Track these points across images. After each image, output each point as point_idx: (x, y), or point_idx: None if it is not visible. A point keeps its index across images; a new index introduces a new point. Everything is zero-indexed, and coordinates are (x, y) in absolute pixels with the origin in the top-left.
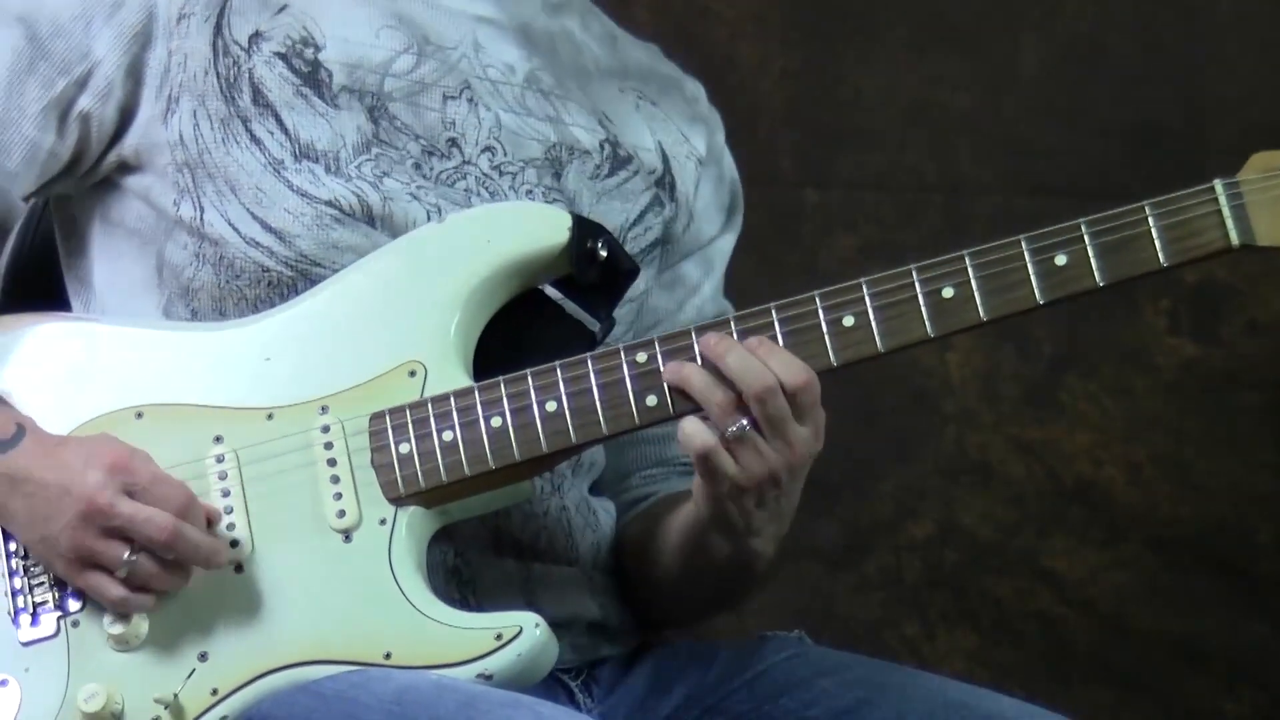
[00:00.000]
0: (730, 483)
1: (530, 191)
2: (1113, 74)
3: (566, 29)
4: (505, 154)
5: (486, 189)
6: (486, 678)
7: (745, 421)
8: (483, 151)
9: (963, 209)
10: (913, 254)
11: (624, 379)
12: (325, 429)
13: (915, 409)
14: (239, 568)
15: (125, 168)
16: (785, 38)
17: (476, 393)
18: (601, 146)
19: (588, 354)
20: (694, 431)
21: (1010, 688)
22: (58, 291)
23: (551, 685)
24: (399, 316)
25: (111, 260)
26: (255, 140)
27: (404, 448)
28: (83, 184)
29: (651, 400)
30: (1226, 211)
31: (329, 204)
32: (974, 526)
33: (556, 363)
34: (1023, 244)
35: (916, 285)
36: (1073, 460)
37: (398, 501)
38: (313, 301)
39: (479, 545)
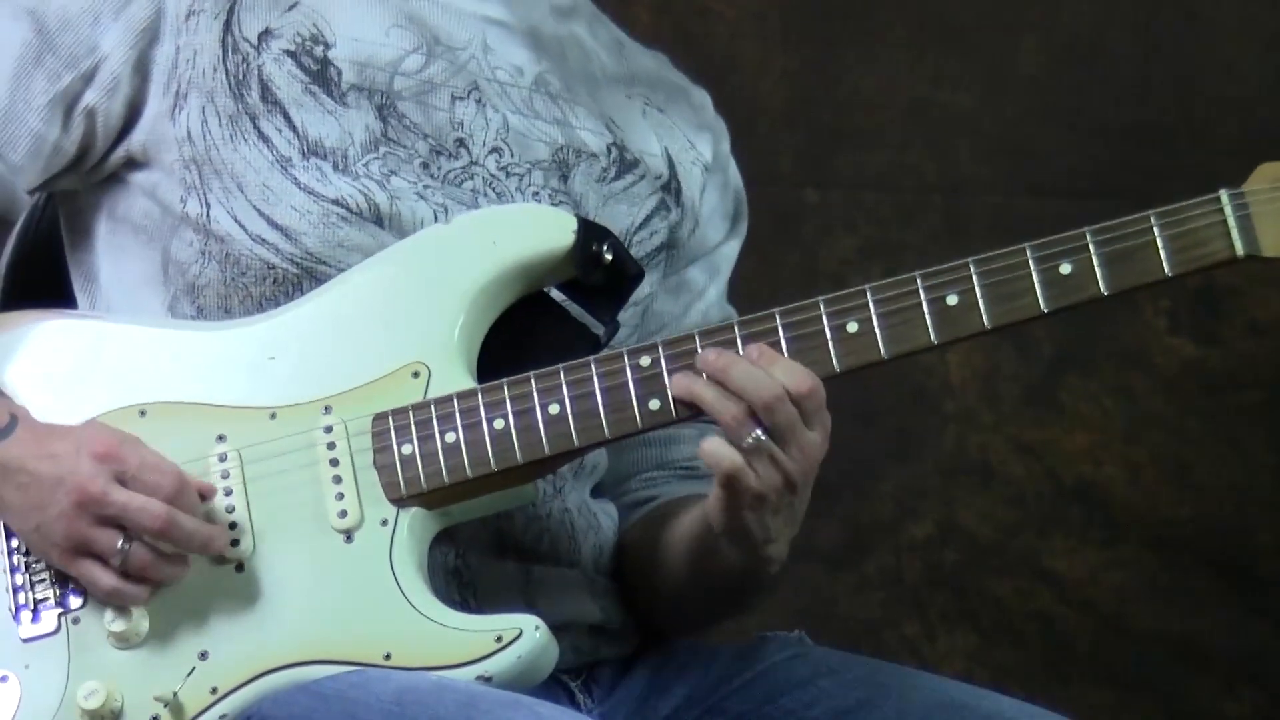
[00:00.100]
0: (751, 494)
1: (537, 193)
2: (1113, 74)
3: (575, 34)
4: (512, 155)
5: (493, 190)
6: (486, 680)
7: (760, 431)
8: (490, 152)
9: (963, 209)
10: (912, 254)
11: (627, 383)
12: (328, 429)
13: (915, 409)
14: (240, 566)
15: (132, 164)
16: (785, 38)
17: (479, 394)
18: (608, 150)
19: (591, 357)
20: (719, 452)
21: (1010, 688)
22: (62, 285)
23: (551, 686)
24: (403, 317)
25: (117, 256)
26: (263, 137)
27: (406, 449)
28: (89, 179)
29: (655, 404)
30: (1232, 222)
31: (336, 202)
32: (974, 526)
33: (560, 365)
34: (1027, 252)
35: (921, 292)
36: (1073, 460)
37: (399, 502)
38: (317, 301)
39: (480, 547)
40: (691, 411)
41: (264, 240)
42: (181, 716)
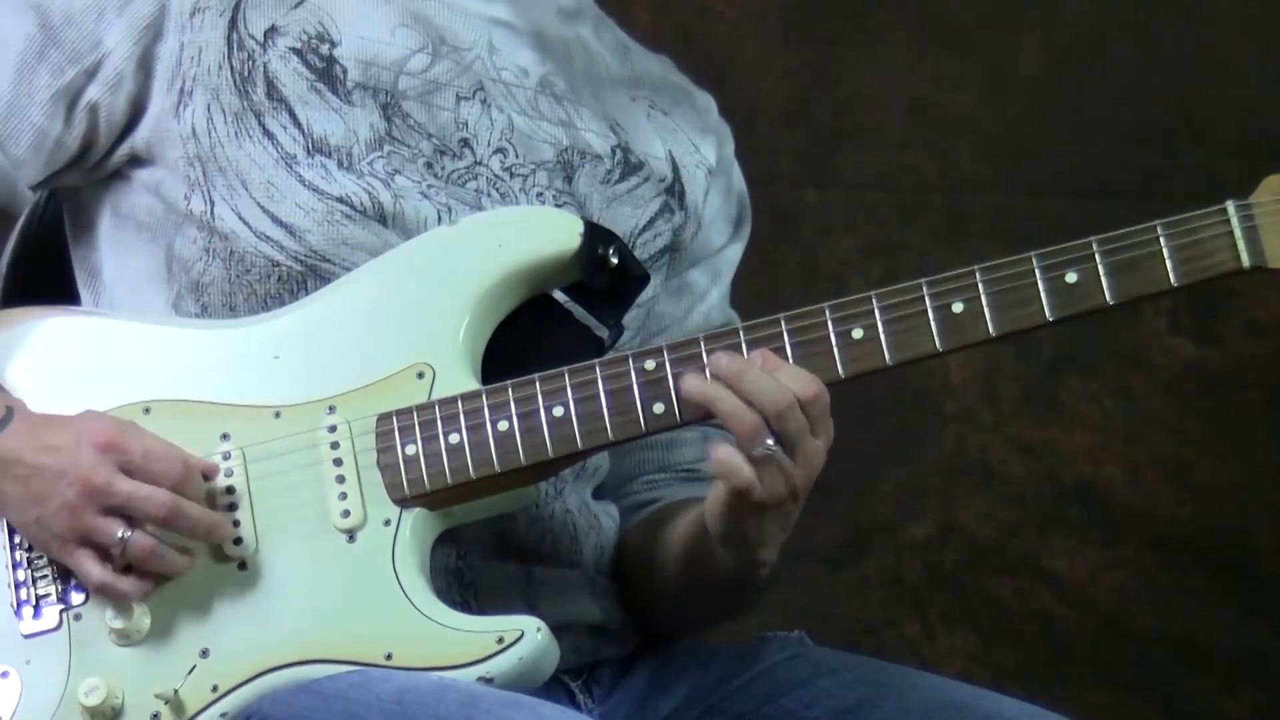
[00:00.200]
0: (755, 503)
1: (541, 194)
2: (1113, 74)
3: (580, 36)
4: (517, 156)
5: (497, 190)
6: (487, 681)
7: (771, 440)
8: (495, 153)
9: (963, 209)
10: (912, 254)
11: (632, 386)
12: (332, 429)
13: (915, 409)
14: (242, 565)
15: (136, 161)
16: (785, 38)
17: (484, 396)
18: (613, 152)
19: (595, 360)
20: (734, 463)
21: (1010, 688)
22: (65, 282)
23: (552, 686)
24: (408, 318)
25: (120, 253)
26: (268, 135)
27: (410, 449)
28: (93, 176)
29: (659, 408)
30: (1238, 233)
31: (340, 200)
32: (974, 526)
33: (564, 368)
34: (1033, 261)
35: (926, 299)
36: (1073, 460)
37: (403, 503)
38: (322, 301)
39: (482, 548)
40: (697, 415)
41: (268, 238)
42: (182, 714)
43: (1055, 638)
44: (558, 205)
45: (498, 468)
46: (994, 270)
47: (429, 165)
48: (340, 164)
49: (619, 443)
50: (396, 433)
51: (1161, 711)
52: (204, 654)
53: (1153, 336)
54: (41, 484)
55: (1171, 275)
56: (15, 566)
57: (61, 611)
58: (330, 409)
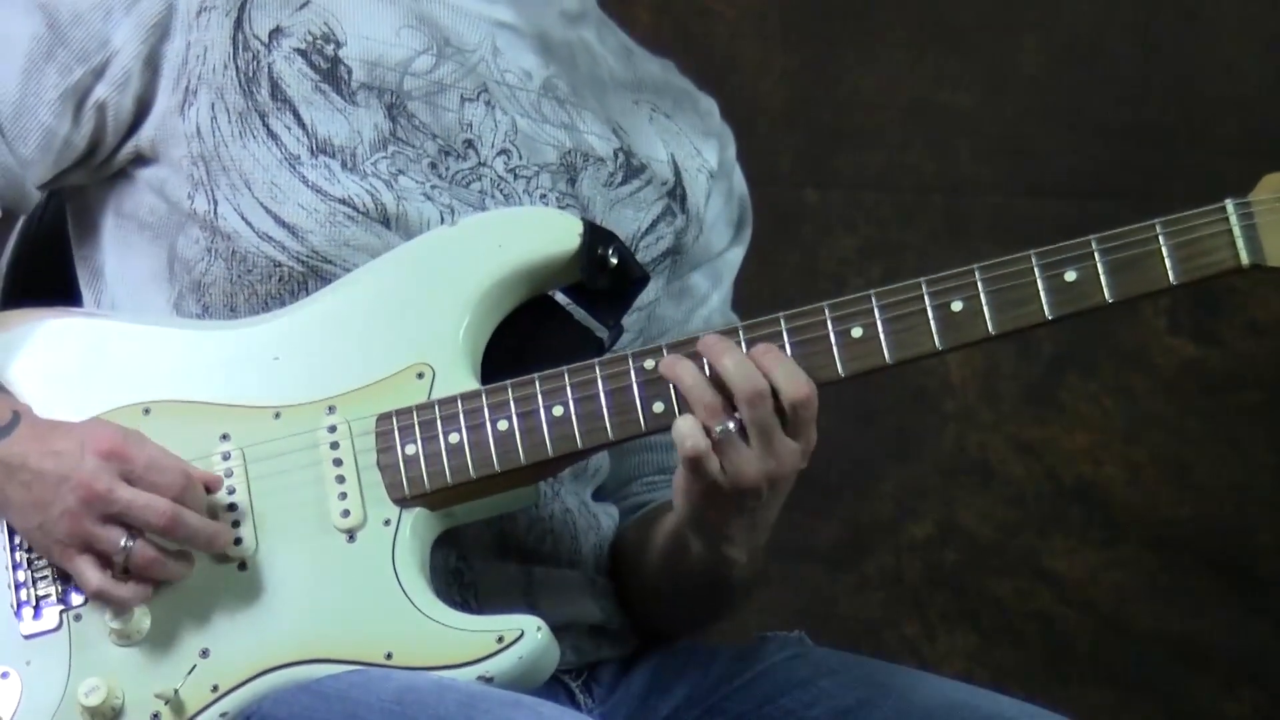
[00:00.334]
0: (712, 483)
1: (544, 196)
2: (1113, 74)
3: (584, 39)
4: (520, 158)
5: (501, 192)
6: (487, 680)
7: (730, 425)
8: (498, 154)
9: (963, 209)
10: (912, 254)
11: (631, 385)
12: (332, 429)
13: (915, 409)
14: (242, 565)
15: (140, 159)
16: (785, 38)
17: (484, 396)
18: (615, 155)
19: (595, 360)
20: (688, 432)
21: (1010, 688)
22: (66, 282)
23: (552, 685)
24: (408, 318)
25: (123, 252)
26: (272, 135)
27: (410, 449)
28: (97, 175)
29: (659, 407)
30: (1237, 231)
31: (343, 202)
32: (974, 526)
33: (564, 368)
34: (1032, 259)
35: (925, 298)
36: (1073, 460)
37: (403, 503)
38: (322, 301)
39: (483, 548)
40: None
41: (270, 238)
42: (182, 714)
43: (1055, 638)
44: (561, 207)
45: (498, 467)
46: (993, 269)
47: (433, 166)
48: (344, 165)
49: (619, 442)
50: (396, 433)
51: (1161, 711)
52: (204, 654)
53: (1152, 336)
54: (44, 489)
55: (1170, 274)
56: (15, 567)
57: (61, 612)
58: (330, 409)
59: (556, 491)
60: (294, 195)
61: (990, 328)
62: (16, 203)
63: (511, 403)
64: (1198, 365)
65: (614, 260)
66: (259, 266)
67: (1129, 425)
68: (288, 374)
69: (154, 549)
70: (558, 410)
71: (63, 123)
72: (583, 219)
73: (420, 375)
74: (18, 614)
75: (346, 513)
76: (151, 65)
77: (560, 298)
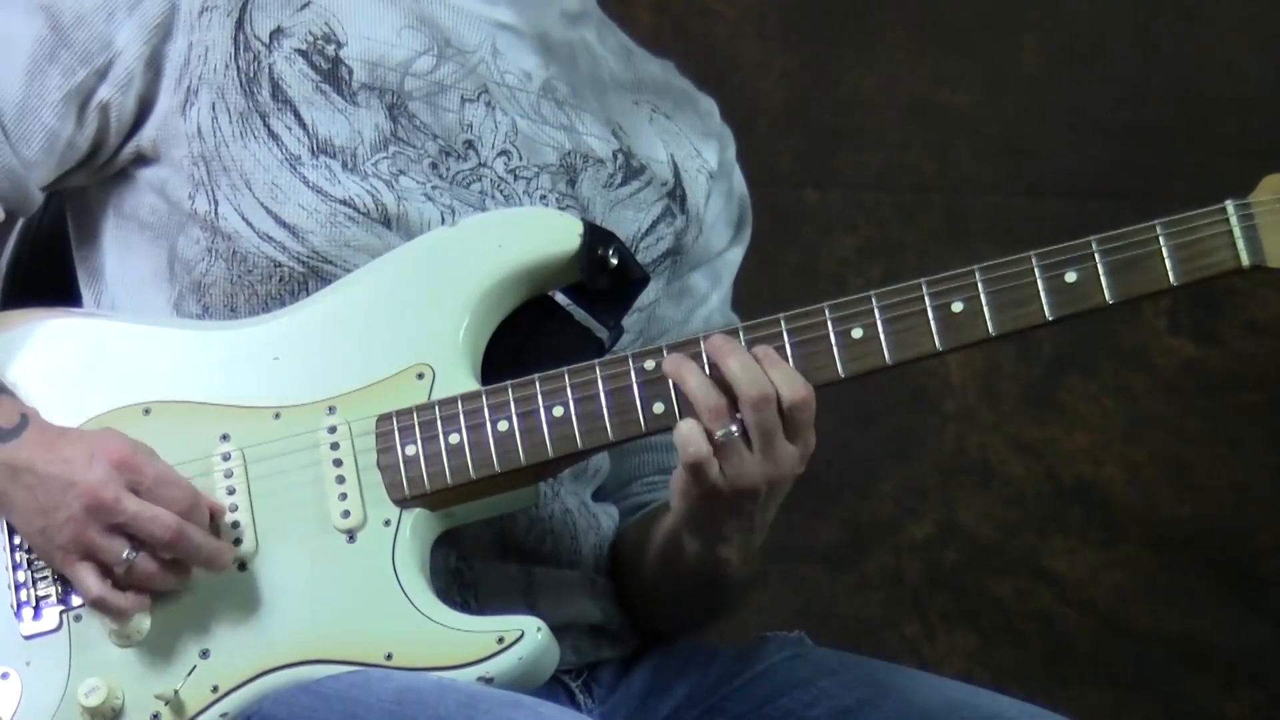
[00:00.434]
0: (712, 486)
1: (544, 197)
2: (1113, 74)
3: (584, 40)
4: (521, 159)
5: (501, 192)
6: (487, 681)
7: (734, 428)
8: (499, 155)
9: (963, 209)
10: (912, 254)
11: (632, 385)
12: (332, 429)
13: (915, 409)
14: (242, 566)
15: (141, 159)
16: (785, 38)
17: (484, 396)
18: (615, 156)
19: (595, 360)
20: (691, 437)
21: (1010, 688)
22: (66, 282)
23: (552, 685)
24: (408, 319)
25: (123, 253)
26: (273, 135)
27: (410, 450)
28: (99, 176)
29: (659, 408)
30: (1238, 232)
31: (344, 202)
32: (974, 526)
33: (564, 368)
34: (1033, 260)
35: (926, 299)
36: (1073, 460)
37: (403, 503)
38: (322, 302)
39: (483, 549)
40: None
41: (271, 238)
42: (182, 715)
43: (1055, 638)
44: (561, 208)
45: (498, 468)
46: (993, 270)
47: (434, 166)
48: (345, 165)
49: (619, 443)
50: (396, 433)
51: (1161, 711)
52: (204, 654)
53: (1152, 336)
54: (49, 494)
55: (1171, 274)
56: (15, 568)
57: (61, 613)
58: (330, 409)
59: (556, 492)
60: (295, 195)
61: (990, 328)
62: (20, 204)
63: (512, 403)
64: (1198, 365)
65: (614, 261)
66: (259, 267)
67: (1129, 425)
68: (288, 374)
69: (157, 565)
70: (558, 411)
71: (66, 124)
72: (583, 219)
73: (420, 376)
74: (18, 614)
75: (346, 513)
76: (154, 66)
77: (560, 298)
